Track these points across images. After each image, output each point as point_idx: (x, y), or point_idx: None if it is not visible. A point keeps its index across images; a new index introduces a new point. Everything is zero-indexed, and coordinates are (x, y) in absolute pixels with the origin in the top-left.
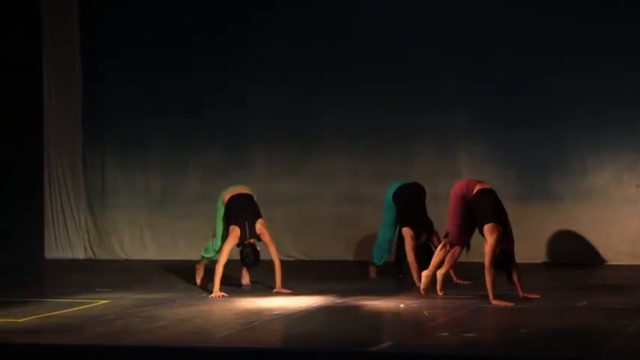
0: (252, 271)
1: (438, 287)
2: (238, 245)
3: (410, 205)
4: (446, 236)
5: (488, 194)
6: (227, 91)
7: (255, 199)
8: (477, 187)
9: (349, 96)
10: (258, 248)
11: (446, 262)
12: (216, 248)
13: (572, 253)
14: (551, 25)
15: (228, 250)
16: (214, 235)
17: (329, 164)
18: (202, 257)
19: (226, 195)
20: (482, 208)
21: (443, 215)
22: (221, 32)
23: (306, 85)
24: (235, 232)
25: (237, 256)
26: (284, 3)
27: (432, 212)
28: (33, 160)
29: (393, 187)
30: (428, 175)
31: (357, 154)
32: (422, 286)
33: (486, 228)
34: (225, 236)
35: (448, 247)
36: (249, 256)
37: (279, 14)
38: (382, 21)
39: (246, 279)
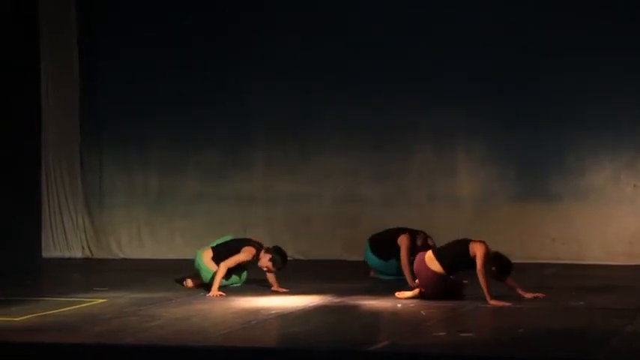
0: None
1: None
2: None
3: (389, 232)
4: None
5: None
6: (227, 91)
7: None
8: (425, 253)
9: (349, 96)
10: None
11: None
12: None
13: (570, 253)
14: (551, 26)
15: (238, 260)
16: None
17: (328, 164)
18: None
19: (204, 256)
20: (451, 249)
21: (439, 216)
22: (221, 32)
23: (305, 85)
24: (250, 251)
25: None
26: (284, 3)
27: (428, 213)
28: (31, 160)
29: (367, 252)
30: (427, 174)
31: (356, 153)
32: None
33: (471, 247)
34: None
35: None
36: (279, 256)
37: (279, 14)
38: (382, 21)
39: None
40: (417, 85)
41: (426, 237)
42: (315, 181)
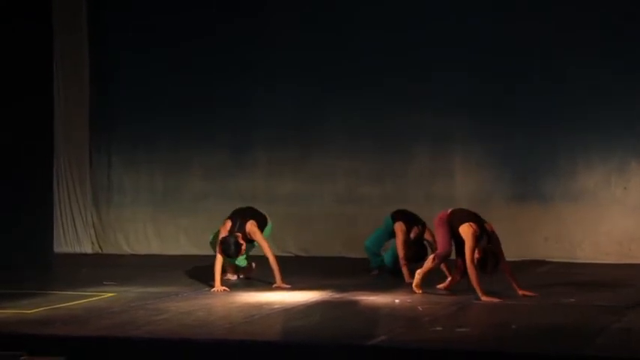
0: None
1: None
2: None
3: (403, 211)
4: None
5: (461, 209)
6: (230, 92)
7: (261, 212)
8: (451, 209)
9: (349, 97)
10: (242, 245)
11: (427, 263)
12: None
13: (562, 252)
14: (547, 31)
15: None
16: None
17: (329, 164)
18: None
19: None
20: (456, 219)
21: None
22: (226, 32)
23: (308, 86)
24: (226, 225)
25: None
26: (287, 4)
27: (426, 213)
28: (43, 159)
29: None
30: (425, 175)
31: (356, 154)
32: (414, 283)
33: (461, 230)
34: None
35: (437, 260)
36: (229, 243)
37: (283, 15)
38: (383, 22)
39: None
40: (415, 88)
41: (423, 232)
42: (317, 181)
